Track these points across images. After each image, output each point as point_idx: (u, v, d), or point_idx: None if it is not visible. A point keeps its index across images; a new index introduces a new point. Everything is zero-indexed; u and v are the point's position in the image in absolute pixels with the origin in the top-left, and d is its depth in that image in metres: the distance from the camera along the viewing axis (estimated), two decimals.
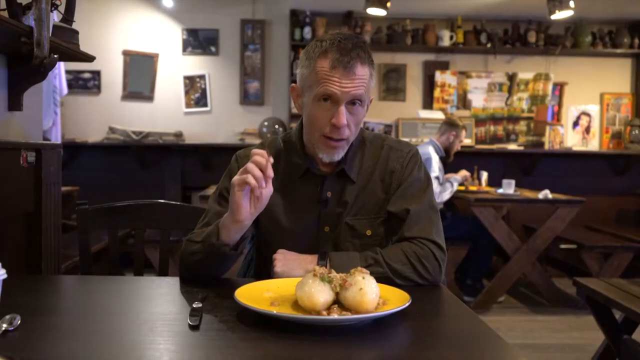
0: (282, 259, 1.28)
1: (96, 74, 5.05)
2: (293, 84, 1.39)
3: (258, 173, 1.13)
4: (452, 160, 4.20)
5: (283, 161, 1.42)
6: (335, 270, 1.10)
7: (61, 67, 3.75)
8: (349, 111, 1.29)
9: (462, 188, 4.20)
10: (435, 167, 3.92)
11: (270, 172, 1.15)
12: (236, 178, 1.15)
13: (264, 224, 1.41)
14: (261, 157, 1.14)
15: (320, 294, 0.99)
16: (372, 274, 1.08)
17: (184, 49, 5.12)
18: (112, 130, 4.93)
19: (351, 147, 1.39)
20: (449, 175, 4.12)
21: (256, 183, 1.13)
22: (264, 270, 1.42)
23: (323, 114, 1.29)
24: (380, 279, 1.16)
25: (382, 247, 1.33)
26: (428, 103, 5.34)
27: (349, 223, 1.38)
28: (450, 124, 4.12)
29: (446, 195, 3.92)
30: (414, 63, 5.33)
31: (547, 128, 5.10)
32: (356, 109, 1.30)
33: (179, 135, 4.99)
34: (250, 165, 1.14)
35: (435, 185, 3.86)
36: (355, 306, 0.98)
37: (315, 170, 1.40)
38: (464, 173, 4.19)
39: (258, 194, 1.16)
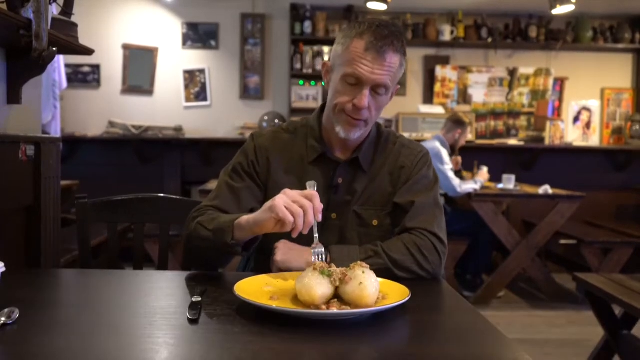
0: (283, 247, 1.29)
1: (96, 68, 5.04)
2: (325, 61, 1.44)
3: (300, 225, 1.09)
4: (458, 156, 4.22)
5: (300, 143, 1.45)
6: (335, 264, 1.10)
7: (60, 60, 3.74)
8: (372, 95, 1.32)
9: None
10: (447, 160, 3.97)
11: (306, 232, 1.11)
12: (279, 208, 1.08)
13: None
14: (311, 215, 1.10)
15: (319, 287, 0.99)
16: (372, 265, 1.08)
17: (184, 43, 5.11)
18: (111, 124, 4.92)
19: (368, 138, 1.43)
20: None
21: (289, 229, 1.10)
22: (264, 262, 1.41)
23: (347, 93, 1.32)
24: (381, 271, 1.17)
25: (387, 240, 1.33)
26: (428, 98, 5.33)
27: (357, 211, 1.40)
28: (456, 122, 4.13)
29: (468, 188, 3.89)
30: (414, 58, 5.31)
31: (548, 123, 5.09)
32: (380, 95, 1.33)
33: (178, 129, 4.98)
34: (299, 212, 1.08)
35: (452, 174, 3.91)
36: (355, 301, 0.98)
37: (330, 155, 1.42)
38: (486, 176, 4.18)
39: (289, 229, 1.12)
